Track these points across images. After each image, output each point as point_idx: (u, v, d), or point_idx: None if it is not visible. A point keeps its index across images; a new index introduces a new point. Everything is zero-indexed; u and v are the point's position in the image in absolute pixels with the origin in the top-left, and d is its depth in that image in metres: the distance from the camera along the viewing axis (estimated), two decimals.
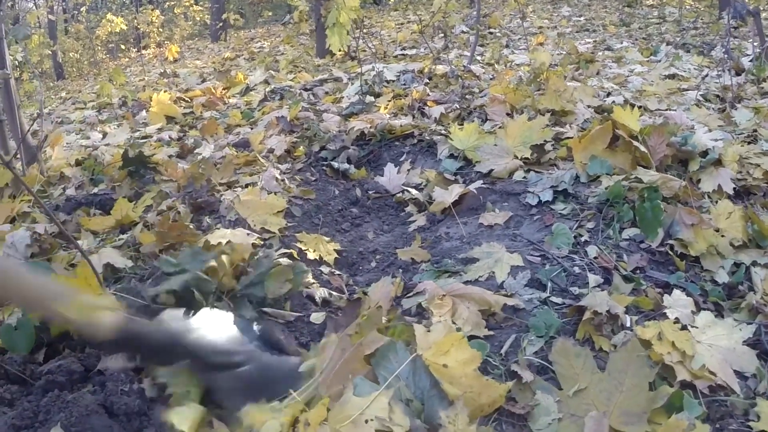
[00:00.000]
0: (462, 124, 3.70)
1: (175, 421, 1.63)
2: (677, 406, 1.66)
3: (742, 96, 4.72)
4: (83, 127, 6.54)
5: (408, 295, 2.33)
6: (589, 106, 4.14)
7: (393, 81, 5.69)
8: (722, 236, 2.53)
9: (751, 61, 5.94)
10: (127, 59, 18.60)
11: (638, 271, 2.36)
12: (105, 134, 5.66)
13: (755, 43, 6.34)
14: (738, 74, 5.53)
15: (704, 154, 3.04)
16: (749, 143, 3.40)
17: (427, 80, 5.61)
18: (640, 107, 3.92)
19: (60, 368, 1.89)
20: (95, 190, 3.70)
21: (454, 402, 1.64)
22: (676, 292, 2.18)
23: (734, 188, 2.87)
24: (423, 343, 1.79)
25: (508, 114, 3.95)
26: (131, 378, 1.87)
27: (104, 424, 1.67)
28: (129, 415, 1.74)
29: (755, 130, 3.67)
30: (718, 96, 4.84)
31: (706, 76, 5.55)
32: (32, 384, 1.88)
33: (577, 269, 2.34)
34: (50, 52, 17.25)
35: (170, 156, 4.21)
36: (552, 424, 1.64)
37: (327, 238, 2.93)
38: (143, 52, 17.04)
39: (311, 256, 2.72)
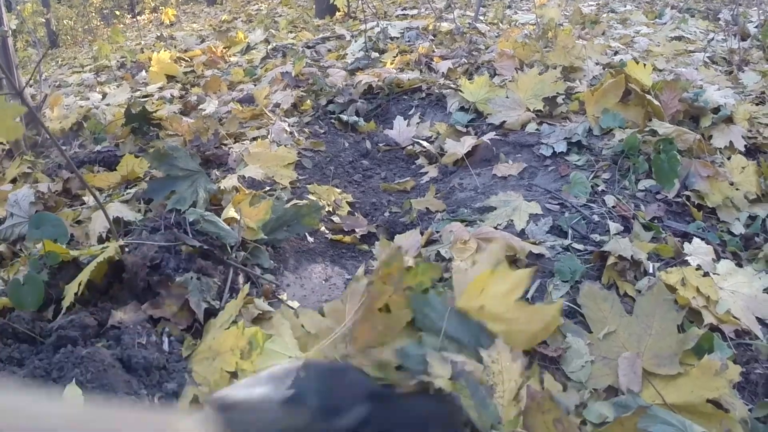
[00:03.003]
0: (471, 79, 3.66)
1: None
2: (707, 347, 1.65)
3: (748, 60, 4.69)
4: (82, 89, 6.44)
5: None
6: (597, 63, 4.11)
7: (397, 38, 5.62)
8: (737, 189, 2.53)
9: (756, 27, 5.91)
10: (122, 26, 18.36)
11: (656, 221, 2.35)
12: (104, 95, 5.59)
13: (761, 10, 6.30)
14: (744, 39, 5.49)
15: (715, 111, 3.02)
16: (758, 104, 3.38)
17: (432, 37, 5.56)
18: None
19: (72, 323, 1.78)
20: (98, 147, 3.63)
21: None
22: (696, 240, 2.18)
23: (745, 145, 2.85)
24: (460, 284, 1.74)
25: (517, 69, 3.91)
26: (148, 330, 1.81)
27: (122, 379, 1.59)
28: (148, 369, 1.66)
29: (763, 92, 3.64)
30: (724, 59, 4.81)
31: (712, 39, 5.52)
32: (42, 342, 1.77)
33: (596, 217, 2.33)
34: (44, 20, 17.02)
35: (174, 113, 4.15)
36: (585, 366, 1.62)
37: (339, 190, 2.91)
38: (138, 17, 16.86)
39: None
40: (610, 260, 1.98)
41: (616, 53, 4.70)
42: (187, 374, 1.70)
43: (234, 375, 1.64)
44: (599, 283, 1.95)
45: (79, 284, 1.89)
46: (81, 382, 1.52)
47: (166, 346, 1.81)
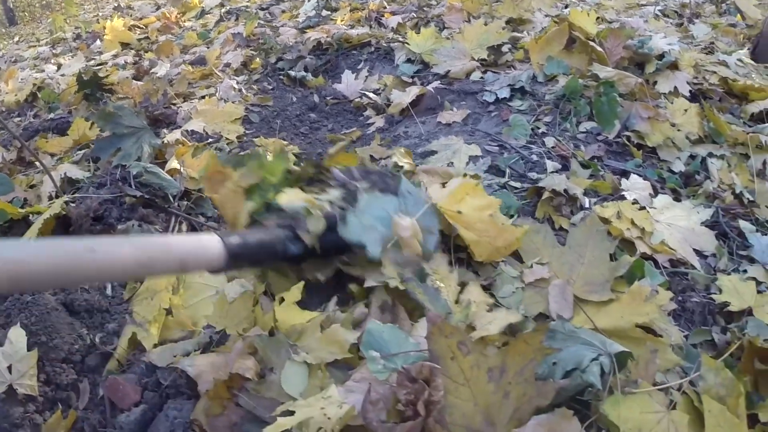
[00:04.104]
0: (419, 32, 3.67)
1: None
2: (639, 275, 1.69)
3: (700, 13, 4.73)
4: (38, 62, 6.39)
5: None
6: (547, 16, 4.12)
7: None
8: (678, 130, 2.55)
9: None
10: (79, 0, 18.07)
11: (596, 160, 2.38)
12: (59, 66, 5.55)
13: None
14: None
15: (660, 57, 3.04)
16: (707, 53, 3.41)
17: None
18: (598, 18, 3.90)
19: None
20: (52, 116, 3.71)
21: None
22: (634, 176, 2.22)
23: (690, 91, 2.87)
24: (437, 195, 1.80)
25: (465, 22, 3.91)
26: None
27: (65, 321, 1.66)
28: (90, 312, 1.74)
29: (712, 43, 3.67)
30: (676, 12, 4.84)
31: None
32: None
33: (534, 157, 2.36)
34: None
35: (126, 78, 4.15)
36: (516, 292, 1.65)
37: (285, 142, 2.91)
38: None
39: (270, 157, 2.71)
40: (545, 195, 2.01)
41: (566, 6, 4.71)
42: (128, 315, 1.75)
43: (168, 311, 1.69)
44: (533, 217, 1.97)
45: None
46: (26, 324, 1.59)
47: (109, 291, 1.87)
